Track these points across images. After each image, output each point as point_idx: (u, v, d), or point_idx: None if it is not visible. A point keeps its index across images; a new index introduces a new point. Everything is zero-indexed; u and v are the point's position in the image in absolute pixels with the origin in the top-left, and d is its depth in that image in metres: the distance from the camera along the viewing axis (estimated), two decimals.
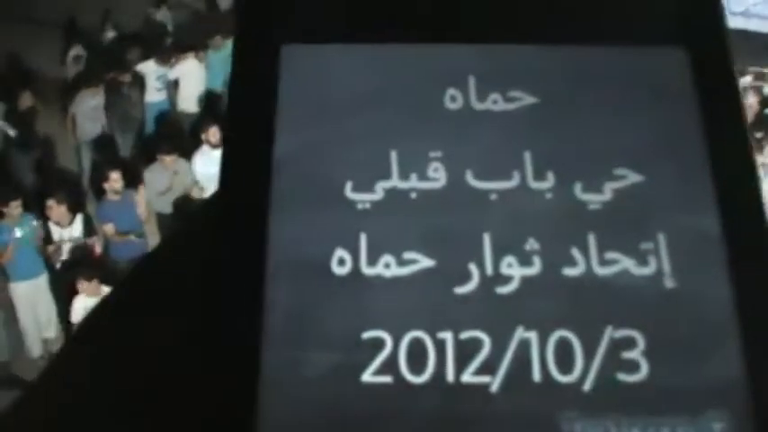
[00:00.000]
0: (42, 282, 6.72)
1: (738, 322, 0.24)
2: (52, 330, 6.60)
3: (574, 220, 0.26)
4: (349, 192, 0.26)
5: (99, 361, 0.28)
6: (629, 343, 0.24)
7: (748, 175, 0.26)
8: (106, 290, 6.06)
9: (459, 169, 0.26)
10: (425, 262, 0.25)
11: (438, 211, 0.26)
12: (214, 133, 5.29)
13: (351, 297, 0.25)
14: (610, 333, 0.24)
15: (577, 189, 0.26)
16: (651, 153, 0.26)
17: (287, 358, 0.24)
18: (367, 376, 0.24)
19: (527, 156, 0.26)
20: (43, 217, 6.47)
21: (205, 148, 5.36)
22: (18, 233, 6.27)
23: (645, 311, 0.25)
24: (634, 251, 0.25)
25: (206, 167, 5.22)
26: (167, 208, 5.55)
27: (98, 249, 6.43)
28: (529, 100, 0.27)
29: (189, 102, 6.94)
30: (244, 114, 0.27)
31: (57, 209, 6.37)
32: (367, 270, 0.25)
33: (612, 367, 0.24)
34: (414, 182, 0.26)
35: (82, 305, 6.00)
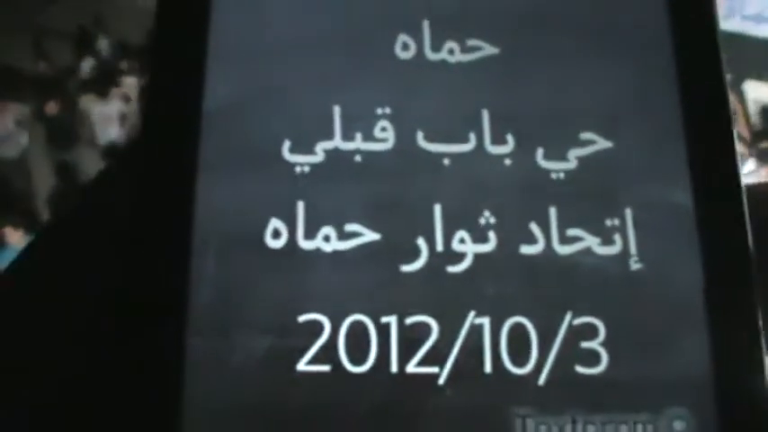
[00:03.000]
0: None
1: (707, 311, 0.22)
2: None
3: (534, 191, 0.23)
4: (286, 153, 0.23)
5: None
6: (590, 331, 0.22)
7: (726, 141, 0.24)
8: None
9: (409, 129, 0.23)
10: (369, 235, 0.23)
11: (385, 177, 0.23)
12: None
13: (286, 274, 0.22)
14: (569, 320, 0.22)
15: (539, 155, 0.23)
16: (623, 115, 0.24)
17: (214, 343, 0.22)
18: (303, 365, 0.22)
19: (485, 115, 0.24)
20: None
21: None
22: None
23: (608, 296, 0.23)
24: (598, 228, 0.23)
25: None
26: None
27: None
28: (489, 50, 0.24)
29: None
30: (170, 58, 0.24)
31: None
32: (304, 243, 0.23)
33: (570, 359, 0.22)
34: (358, 142, 0.23)
35: None
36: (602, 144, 0.24)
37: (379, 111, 0.24)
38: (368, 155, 0.23)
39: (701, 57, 0.24)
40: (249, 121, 0.23)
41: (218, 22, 0.24)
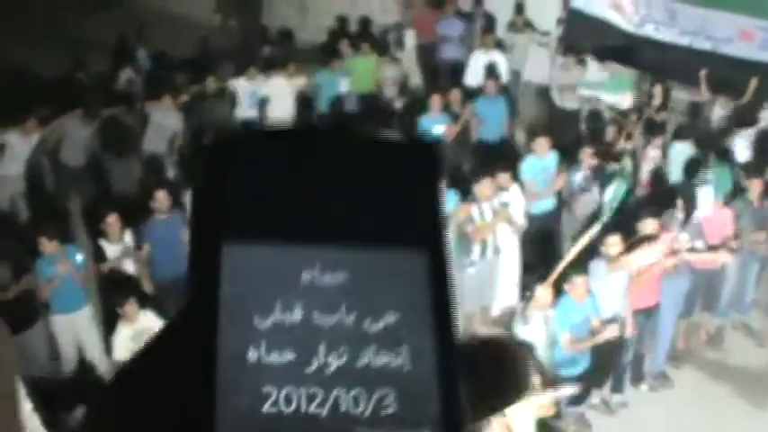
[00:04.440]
0: (84, 315, 6.83)
1: (438, 387, 0.52)
2: (102, 367, 6.74)
3: (362, 340, 0.53)
4: (255, 321, 0.53)
5: None
6: (388, 395, 0.52)
7: (450, 328, 0.54)
8: (146, 315, 6.34)
9: (309, 312, 0.54)
10: (291, 356, 0.53)
11: (298, 334, 0.53)
12: None
13: (257, 372, 0.52)
14: (379, 392, 0.52)
15: (366, 324, 0.53)
16: (402, 318, 0.54)
17: (228, 401, 0.51)
18: (265, 408, 0.51)
19: (343, 306, 0.54)
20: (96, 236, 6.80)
21: None
22: (60, 268, 6.41)
23: (395, 381, 0.52)
24: (392, 354, 0.53)
25: None
26: None
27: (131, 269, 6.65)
28: (344, 275, 0.54)
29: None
30: (201, 279, 0.54)
31: (111, 224, 6.70)
32: (265, 359, 0.52)
33: (380, 407, 0.52)
34: (287, 317, 0.54)
35: (123, 337, 6.12)
36: (395, 322, 0.54)
37: (296, 304, 0.54)
38: (291, 322, 0.53)
39: (443, 290, 0.54)
40: (240, 308, 0.54)
41: (225, 264, 0.54)
